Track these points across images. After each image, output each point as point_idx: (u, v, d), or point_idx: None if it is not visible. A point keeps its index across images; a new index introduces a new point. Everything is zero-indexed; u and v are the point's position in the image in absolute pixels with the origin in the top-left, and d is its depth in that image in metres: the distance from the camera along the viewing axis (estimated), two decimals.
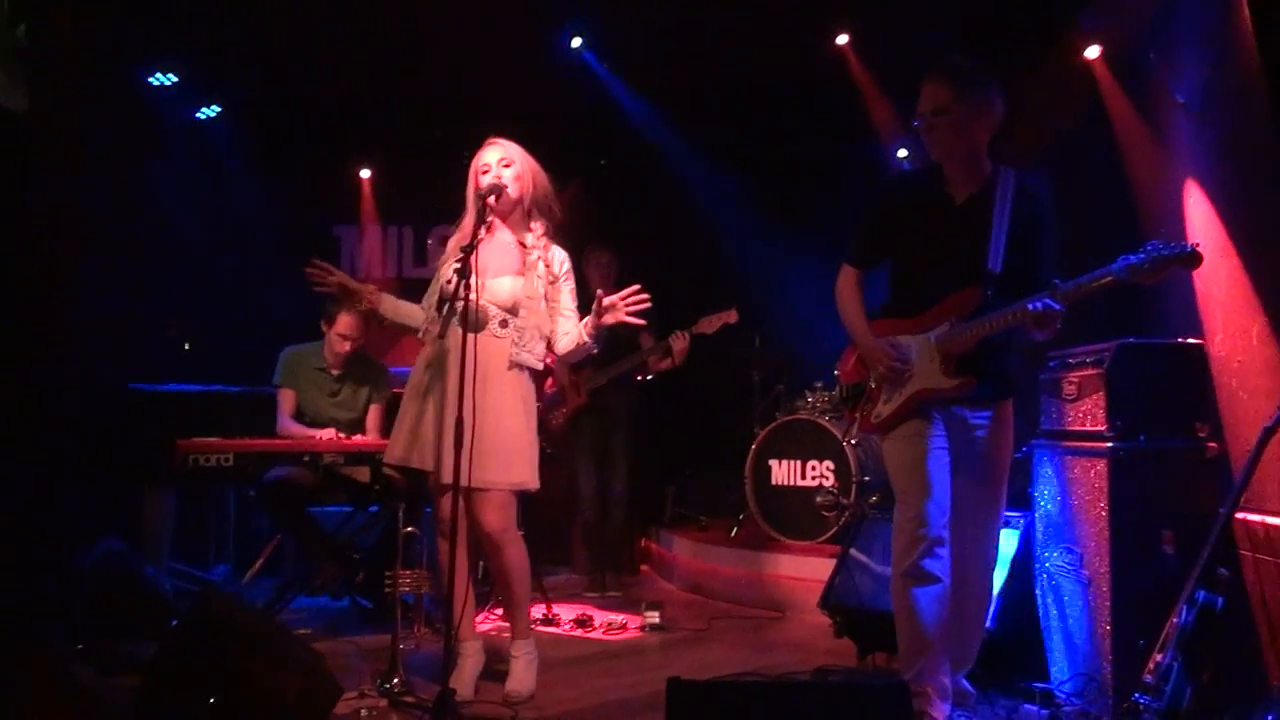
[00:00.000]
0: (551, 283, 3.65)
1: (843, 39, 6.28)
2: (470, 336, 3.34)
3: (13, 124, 4.64)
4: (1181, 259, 2.72)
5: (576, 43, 6.43)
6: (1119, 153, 4.37)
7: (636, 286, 3.51)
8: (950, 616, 3.08)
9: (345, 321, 4.77)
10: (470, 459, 3.30)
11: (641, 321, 3.64)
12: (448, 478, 3.27)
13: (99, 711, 3.35)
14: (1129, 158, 4.30)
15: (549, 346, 3.70)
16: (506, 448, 3.46)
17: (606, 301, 3.51)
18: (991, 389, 3.13)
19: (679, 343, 5.26)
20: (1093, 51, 4.90)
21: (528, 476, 3.53)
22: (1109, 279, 2.79)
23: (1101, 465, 3.21)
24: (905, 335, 3.17)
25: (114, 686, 3.61)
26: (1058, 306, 2.84)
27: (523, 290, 3.56)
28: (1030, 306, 2.87)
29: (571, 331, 3.64)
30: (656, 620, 4.68)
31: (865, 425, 3.30)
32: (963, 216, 3.10)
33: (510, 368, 3.52)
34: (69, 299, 5.20)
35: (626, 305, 3.50)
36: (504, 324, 3.54)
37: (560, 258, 3.68)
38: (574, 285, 3.74)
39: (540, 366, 3.66)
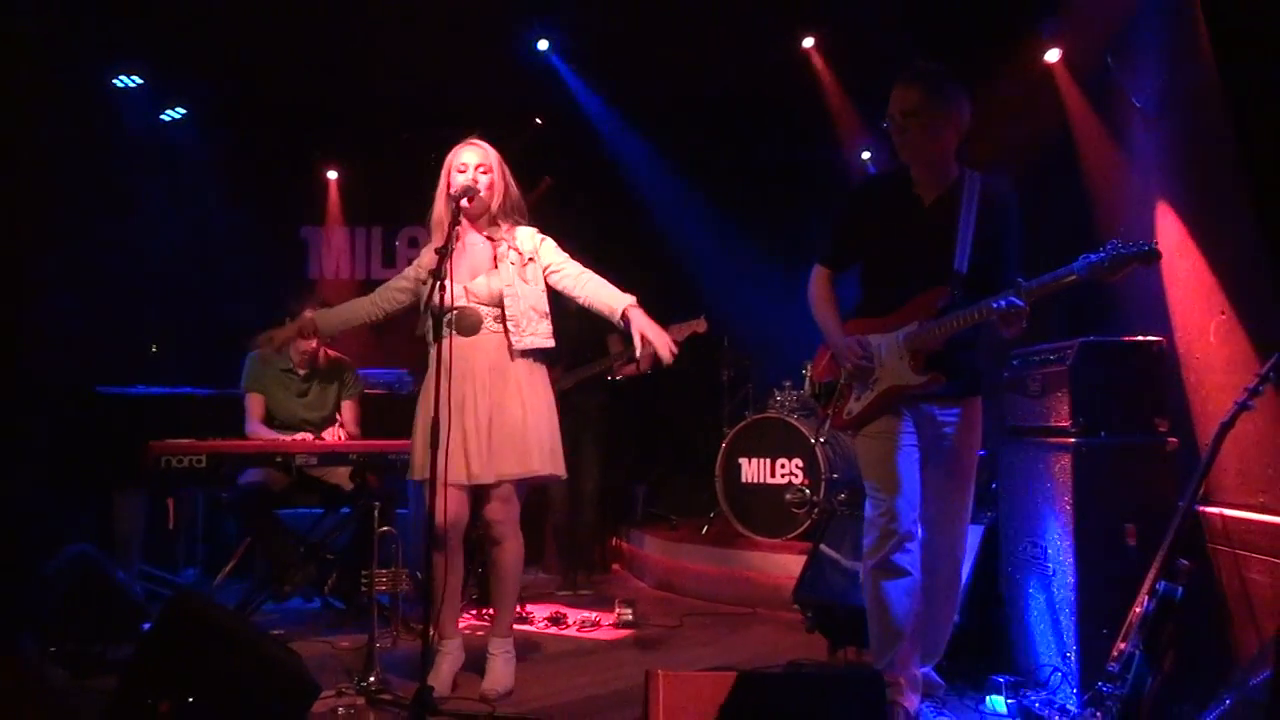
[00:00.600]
0: (526, 263, 3.67)
1: (808, 42, 6.36)
2: (465, 340, 3.46)
3: None
4: (1140, 257, 2.81)
5: (544, 45, 6.45)
6: (1078, 155, 4.47)
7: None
8: (920, 610, 3.15)
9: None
10: (491, 456, 3.46)
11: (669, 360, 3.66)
12: (455, 478, 3.38)
13: (69, 714, 3.34)
14: (1088, 160, 4.40)
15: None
16: (523, 438, 3.53)
17: (658, 343, 3.59)
18: (960, 386, 3.21)
19: (645, 354, 5.29)
20: (1053, 55, 5.01)
21: (552, 463, 3.60)
22: (1072, 277, 2.87)
23: (1065, 460, 3.28)
24: (875, 334, 3.23)
25: (87, 689, 3.60)
26: (1021, 304, 2.92)
27: (499, 282, 3.60)
28: (995, 304, 2.95)
29: (578, 273, 3.71)
30: (630, 617, 4.72)
31: (837, 422, 3.36)
32: (930, 218, 3.17)
33: (516, 358, 3.58)
34: (32, 301, 5.16)
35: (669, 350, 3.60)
36: (497, 319, 3.59)
37: (525, 235, 3.72)
38: (553, 245, 3.77)
39: (550, 344, 3.69)
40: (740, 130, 6.94)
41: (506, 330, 3.59)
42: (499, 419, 3.52)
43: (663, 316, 5.28)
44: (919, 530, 3.13)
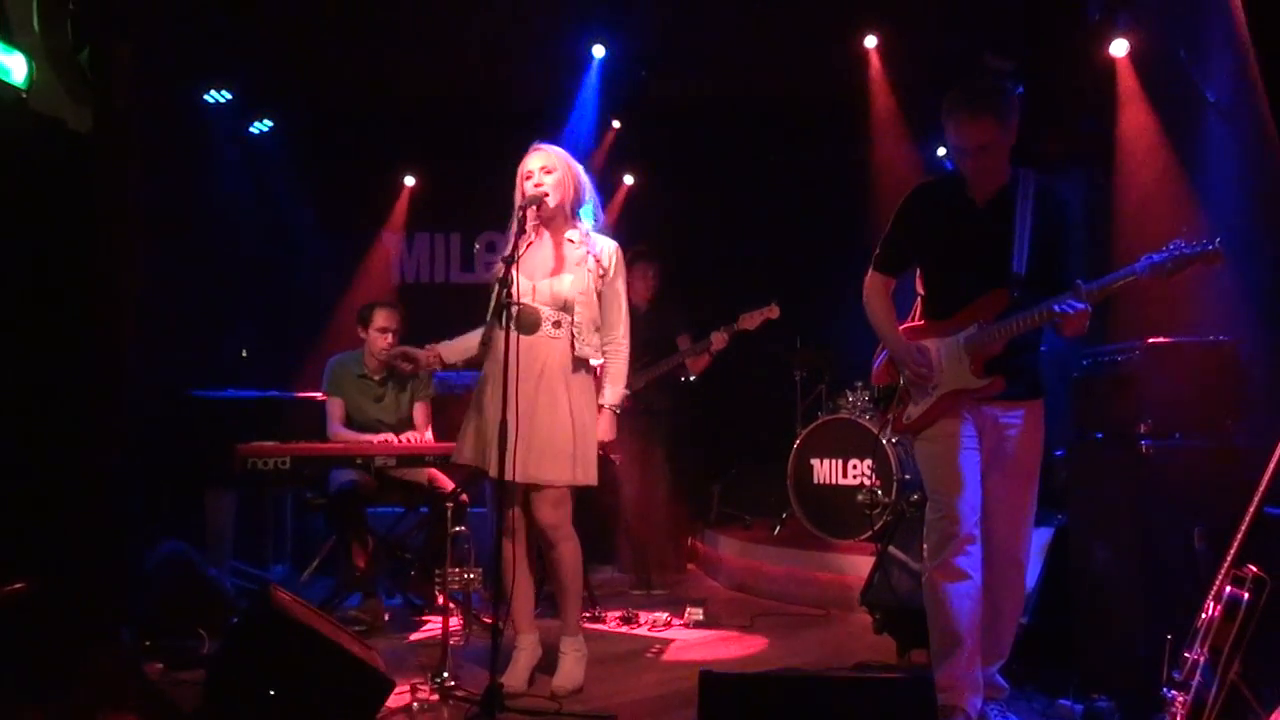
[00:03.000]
0: (601, 276, 3.73)
1: (870, 41, 6.31)
2: (522, 339, 3.50)
3: (77, 143, 4.85)
4: (1204, 257, 2.76)
5: (599, 51, 6.50)
6: (1144, 150, 4.39)
7: None
8: (983, 612, 3.13)
9: (383, 315, 4.97)
10: (528, 457, 3.48)
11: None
12: (498, 473, 3.43)
13: (166, 705, 3.52)
14: (1155, 155, 4.31)
15: None
16: (563, 446, 3.58)
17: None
18: (1022, 387, 3.19)
19: (718, 340, 5.34)
20: (1119, 48, 4.92)
21: (583, 473, 3.63)
22: (1132, 278, 2.84)
23: (1134, 463, 3.24)
24: (934, 338, 3.23)
25: (180, 681, 3.79)
26: (1083, 305, 2.90)
27: (571, 287, 3.65)
28: (1056, 307, 2.93)
29: (611, 326, 3.76)
30: (700, 617, 4.77)
31: (898, 426, 3.36)
32: (986, 219, 3.15)
33: (570, 364, 3.64)
34: (132, 310, 5.41)
35: None
36: (557, 324, 3.65)
37: (609, 250, 3.76)
38: (624, 280, 3.82)
39: (599, 358, 3.75)
40: (815, 127, 6.94)
41: (571, 336, 3.65)
42: (543, 422, 3.56)
43: (737, 308, 5.38)
44: (979, 533, 3.13)
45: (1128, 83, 4.79)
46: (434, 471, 4.84)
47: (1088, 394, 3.59)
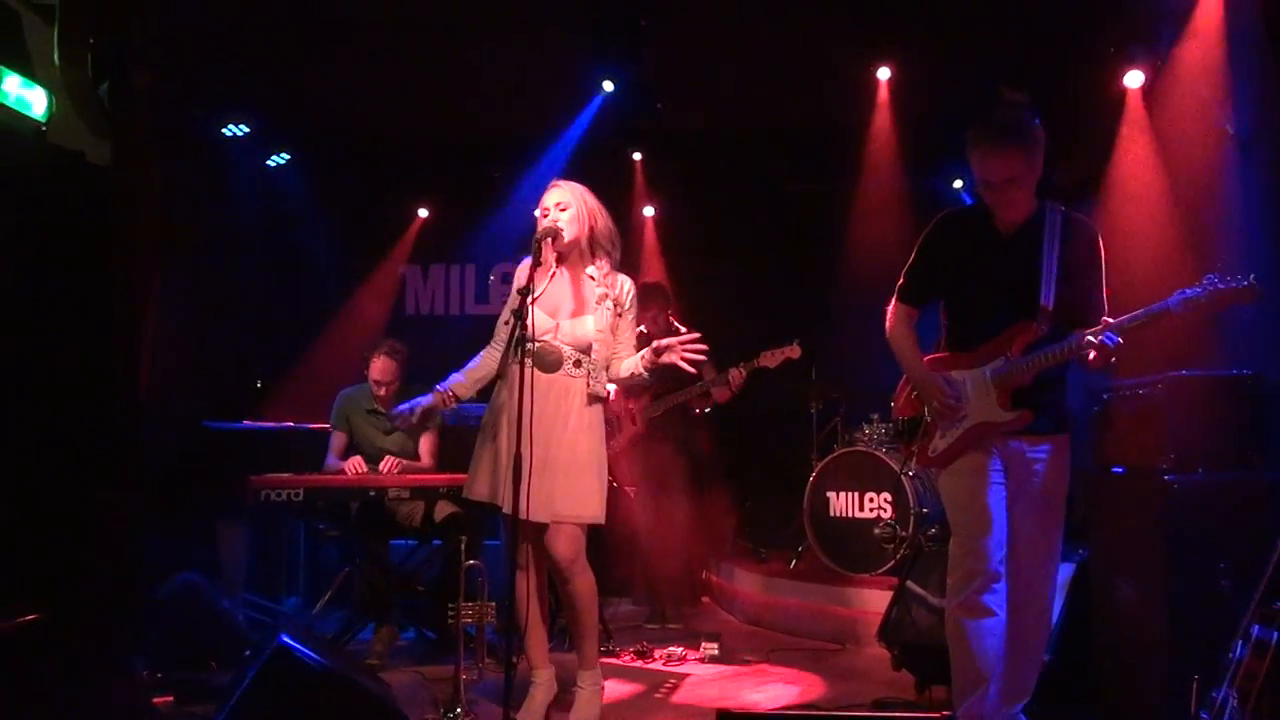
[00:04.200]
0: (618, 315, 3.74)
1: (884, 73, 6.33)
2: (541, 376, 3.52)
3: (96, 175, 4.89)
4: (1239, 294, 2.73)
5: (609, 86, 6.54)
6: (1163, 181, 4.38)
7: (696, 335, 3.60)
8: (1007, 650, 3.08)
9: (377, 367, 4.93)
10: (548, 493, 3.47)
11: (694, 370, 3.72)
12: (507, 509, 3.40)
13: None
14: (1173, 187, 4.30)
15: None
16: (580, 483, 3.57)
17: (665, 343, 3.59)
18: (1049, 421, 3.15)
19: (737, 378, 5.31)
20: (1133, 80, 4.91)
21: (598, 511, 3.62)
22: (1164, 312, 2.82)
23: (1157, 498, 3.19)
24: (960, 370, 3.20)
25: (191, 713, 3.76)
26: (1114, 340, 2.88)
27: (594, 328, 3.66)
28: (1088, 340, 2.91)
29: (628, 363, 3.72)
30: (715, 651, 4.72)
31: (922, 459, 3.33)
32: (1012, 251, 3.13)
33: (587, 403, 3.63)
34: (149, 341, 5.43)
35: (684, 350, 3.57)
36: (577, 364, 3.64)
37: (627, 288, 3.77)
38: (635, 313, 3.83)
39: (608, 394, 3.75)
40: (830, 159, 6.95)
41: (588, 374, 3.64)
42: (558, 459, 3.54)
43: (756, 344, 5.36)
44: (1005, 570, 3.07)
45: (1135, 114, 4.80)
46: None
47: (1109, 427, 3.55)
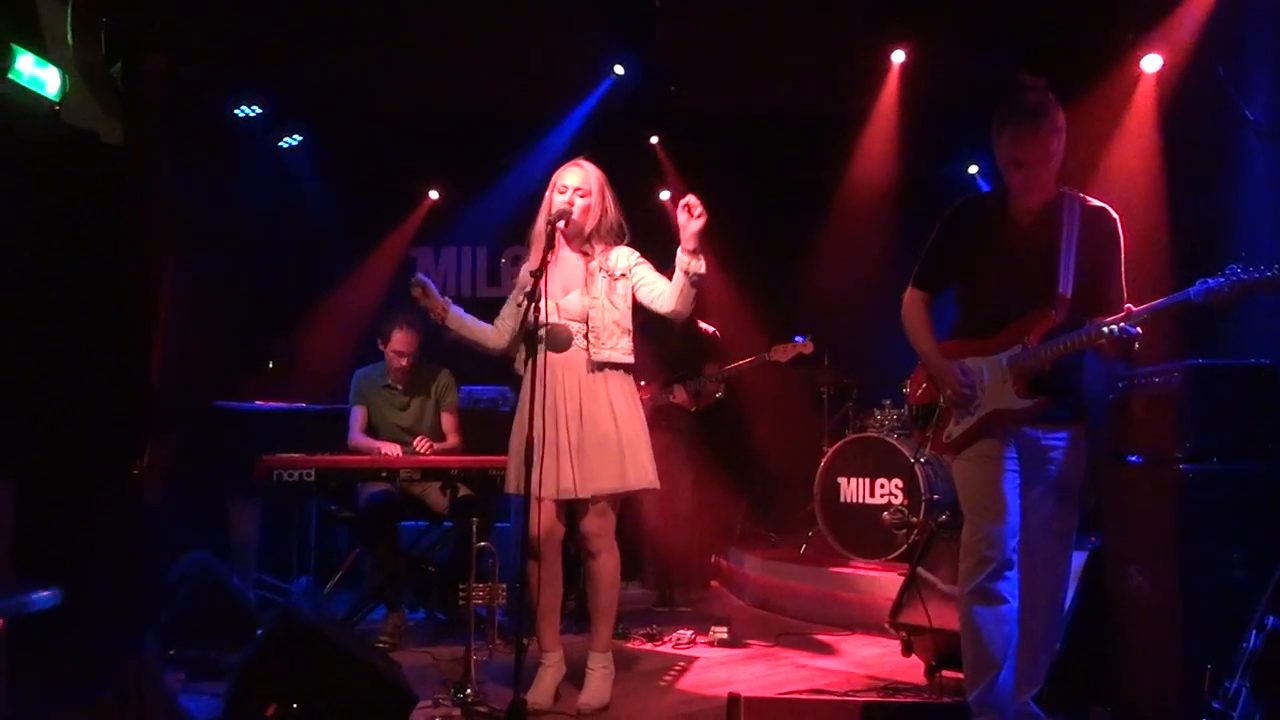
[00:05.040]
0: (617, 279, 3.71)
1: (898, 56, 6.27)
2: (558, 357, 3.55)
3: (109, 155, 4.89)
4: (1263, 284, 2.70)
5: (619, 70, 6.50)
6: (1181, 169, 4.34)
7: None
8: (1019, 637, 3.08)
9: (399, 338, 4.94)
10: (582, 472, 3.52)
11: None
12: (548, 493, 3.46)
13: (188, 716, 3.51)
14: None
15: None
16: (612, 453, 3.59)
17: (682, 204, 3.50)
18: (1065, 409, 3.14)
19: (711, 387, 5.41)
20: (1151, 64, 4.86)
21: (635, 476, 3.62)
22: (1185, 303, 2.79)
23: (1172, 487, 3.17)
24: (976, 357, 3.18)
25: (202, 691, 3.78)
26: (1134, 331, 2.86)
27: (587, 300, 3.67)
28: (1107, 329, 2.89)
29: (666, 287, 3.65)
30: (724, 635, 4.73)
31: (937, 446, 3.31)
32: (1030, 239, 3.11)
33: (605, 372, 3.64)
34: (161, 321, 5.44)
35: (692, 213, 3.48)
36: (584, 335, 3.65)
37: (622, 255, 3.75)
38: (648, 265, 3.78)
39: (629, 360, 3.73)
40: (844, 143, 6.90)
41: (588, 342, 3.64)
42: (591, 433, 3.57)
43: (769, 328, 5.38)
44: (1017, 558, 3.06)
45: (1143, 101, 4.76)
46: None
47: (1124, 415, 3.52)
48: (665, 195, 7.41)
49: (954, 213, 3.29)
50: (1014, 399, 3.09)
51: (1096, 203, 3.12)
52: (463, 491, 4.79)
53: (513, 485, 3.63)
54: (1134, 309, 2.89)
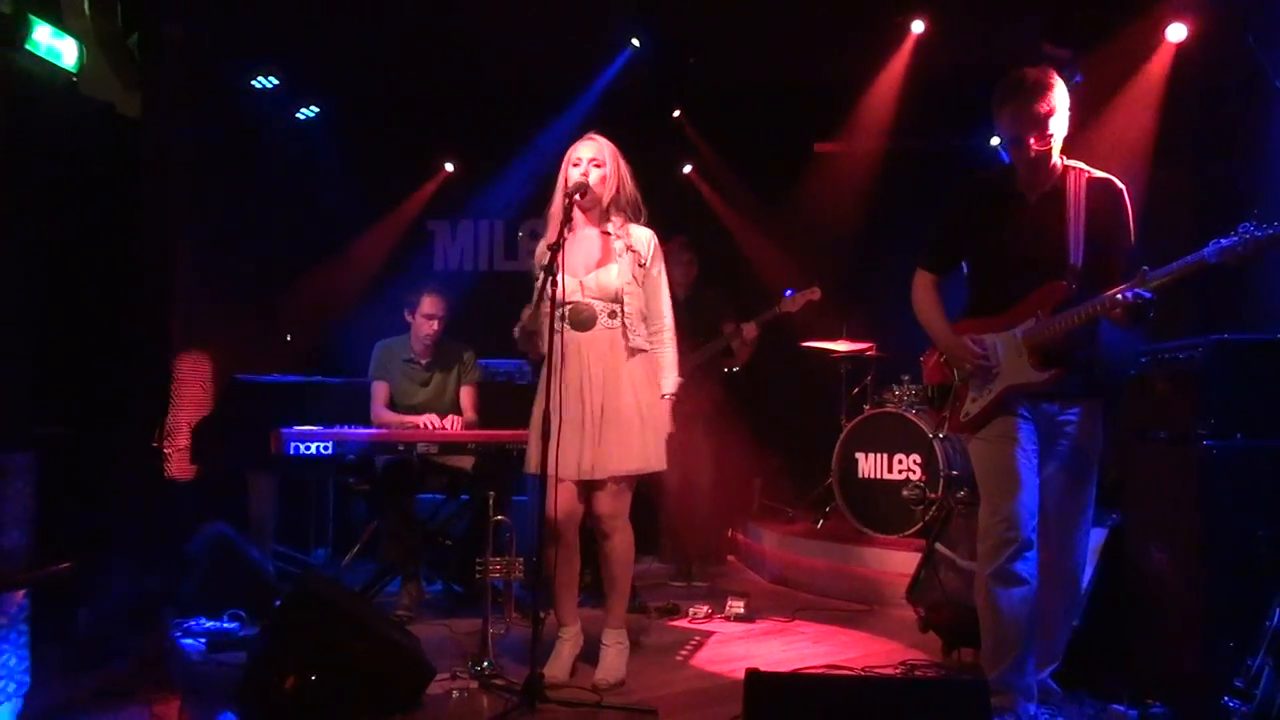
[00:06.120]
0: (641, 265, 3.69)
1: (918, 26, 6.17)
2: (579, 335, 3.52)
3: (126, 126, 4.89)
4: (1276, 240, 2.67)
5: (635, 43, 6.44)
6: (1207, 135, 4.28)
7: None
8: (1037, 615, 3.07)
9: (429, 301, 4.92)
10: (599, 452, 3.51)
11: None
12: (566, 473, 3.43)
13: (206, 685, 3.55)
14: (1218, 141, 4.20)
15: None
16: (632, 434, 3.57)
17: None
18: (1081, 383, 3.12)
19: (750, 331, 5.38)
20: (1177, 32, 4.79)
21: (655, 458, 3.63)
22: (1199, 263, 2.76)
23: (1195, 463, 3.13)
24: (990, 333, 3.17)
25: (220, 662, 3.81)
26: (1148, 295, 2.83)
27: (618, 278, 3.62)
28: (1120, 296, 2.87)
29: (656, 318, 3.71)
30: (741, 610, 4.72)
31: (954, 425, 3.31)
32: (1037, 214, 3.11)
33: (629, 354, 3.62)
34: (179, 293, 5.46)
35: None
36: (611, 315, 3.62)
37: (645, 238, 3.73)
38: (663, 266, 3.78)
39: (649, 347, 3.72)
40: (863, 115, 6.83)
41: (624, 327, 3.62)
42: (611, 415, 3.55)
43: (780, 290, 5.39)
44: (1036, 537, 3.05)
45: (1166, 69, 4.69)
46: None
47: (1145, 391, 3.48)
48: (688, 169, 7.38)
49: (959, 192, 3.29)
50: (1030, 372, 3.08)
51: (1101, 174, 3.12)
52: (477, 464, 4.79)
53: (535, 465, 3.60)
54: (1149, 271, 2.86)
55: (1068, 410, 3.13)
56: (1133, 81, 4.87)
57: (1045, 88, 3.01)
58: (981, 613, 3.13)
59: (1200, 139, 4.42)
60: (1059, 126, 3.04)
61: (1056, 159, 3.10)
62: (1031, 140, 3.02)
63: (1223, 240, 2.72)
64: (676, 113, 7.14)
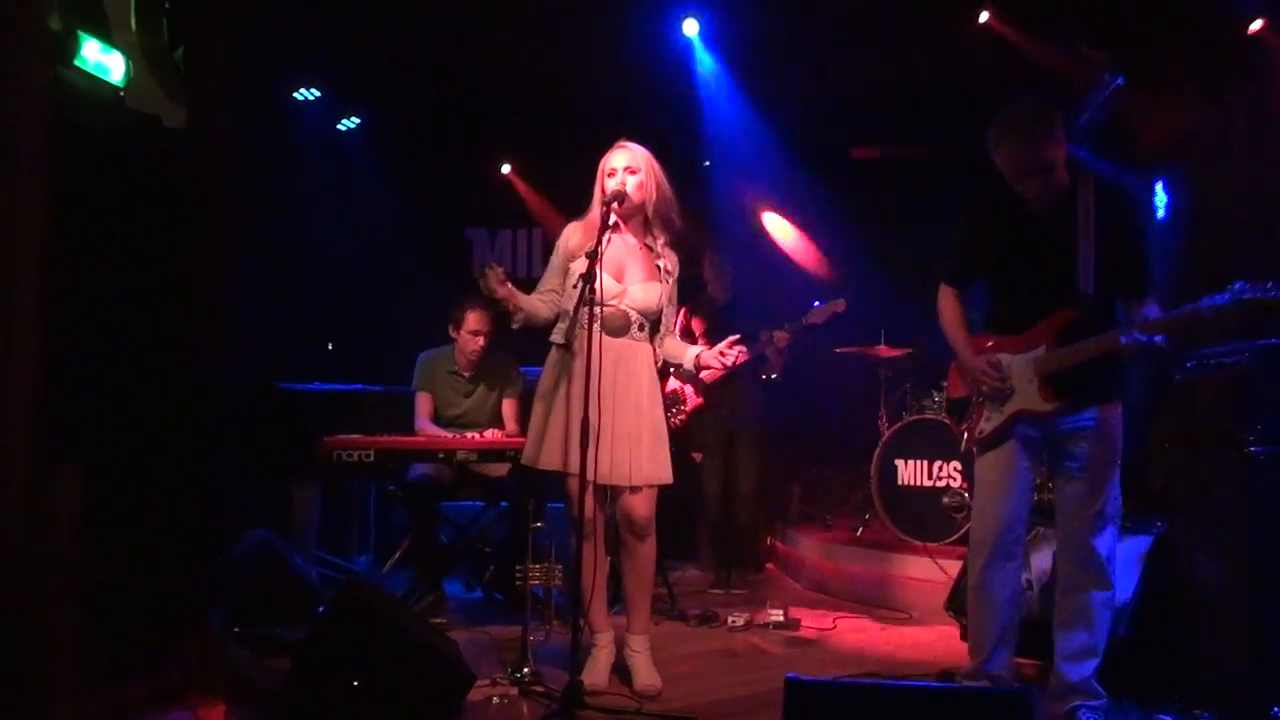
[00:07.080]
0: (671, 291, 3.79)
1: (984, 17, 6.08)
2: (607, 340, 3.52)
3: (172, 139, 4.97)
4: (1267, 304, 2.68)
5: (692, 29, 6.41)
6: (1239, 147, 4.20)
7: (735, 337, 3.61)
8: (1071, 612, 3.18)
9: (475, 318, 4.94)
10: (624, 457, 3.52)
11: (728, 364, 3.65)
12: (593, 477, 3.41)
13: (252, 690, 3.58)
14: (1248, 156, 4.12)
15: None
16: (655, 445, 3.61)
17: (704, 359, 3.64)
18: (1094, 394, 3.14)
19: (781, 339, 5.36)
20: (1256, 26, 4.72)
21: (669, 471, 3.67)
22: (1194, 315, 2.85)
23: (1243, 470, 3.09)
24: (1006, 354, 3.22)
25: (266, 668, 3.85)
26: (1158, 341, 2.88)
27: (661, 299, 3.69)
28: (1123, 340, 2.92)
29: (686, 353, 3.74)
30: (780, 618, 4.70)
31: (971, 439, 3.38)
32: (1047, 233, 3.12)
33: (651, 368, 3.67)
34: (223, 303, 5.53)
35: (723, 358, 3.57)
36: (642, 328, 3.66)
37: (674, 265, 3.78)
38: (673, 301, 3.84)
39: (663, 362, 3.81)
40: (904, 119, 6.80)
41: (651, 344, 3.69)
42: (629, 423, 3.56)
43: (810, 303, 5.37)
44: (1023, 530, 3.26)
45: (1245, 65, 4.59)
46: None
47: (1191, 398, 3.44)
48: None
49: (971, 207, 3.34)
50: (1039, 401, 3.15)
51: (1110, 183, 3.13)
52: (513, 471, 4.81)
53: (558, 462, 3.59)
54: (1151, 318, 2.90)
55: (1080, 415, 3.15)
56: (1183, 84, 4.79)
57: (1043, 131, 3.02)
58: (970, 608, 3.35)
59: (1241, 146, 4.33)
60: (1061, 154, 3.05)
61: (1065, 174, 3.10)
62: (1032, 180, 3.05)
63: (1217, 297, 2.73)
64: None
